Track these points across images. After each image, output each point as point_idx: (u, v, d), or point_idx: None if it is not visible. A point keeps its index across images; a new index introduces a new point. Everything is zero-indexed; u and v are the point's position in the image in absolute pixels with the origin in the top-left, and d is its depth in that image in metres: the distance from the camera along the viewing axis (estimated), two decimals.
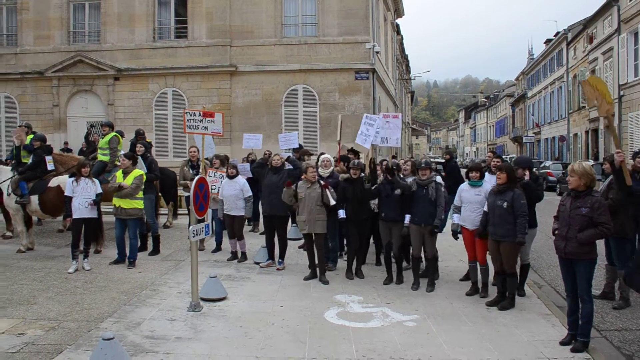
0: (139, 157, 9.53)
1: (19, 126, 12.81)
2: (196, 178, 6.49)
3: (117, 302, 6.61)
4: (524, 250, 6.93)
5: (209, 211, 7.81)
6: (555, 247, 5.47)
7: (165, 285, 7.47)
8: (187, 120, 7.81)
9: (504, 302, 6.51)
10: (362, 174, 7.98)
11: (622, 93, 26.37)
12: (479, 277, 7.08)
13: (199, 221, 6.48)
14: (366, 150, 8.35)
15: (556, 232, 5.48)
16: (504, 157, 45.37)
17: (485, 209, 6.60)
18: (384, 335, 5.53)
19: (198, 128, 7.84)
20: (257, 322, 5.90)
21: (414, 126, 76.79)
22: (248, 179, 9.58)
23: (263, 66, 18.78)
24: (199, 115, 7.80)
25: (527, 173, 6.87)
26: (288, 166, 8.71)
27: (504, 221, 6.31)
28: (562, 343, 5.33)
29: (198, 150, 10.12)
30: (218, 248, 9.79)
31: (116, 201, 8.50)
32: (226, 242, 9.53)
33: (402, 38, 38.51)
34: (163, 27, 19.77)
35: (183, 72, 19.08)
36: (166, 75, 19.17)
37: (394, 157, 10.83)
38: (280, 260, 8.47)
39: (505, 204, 6.29)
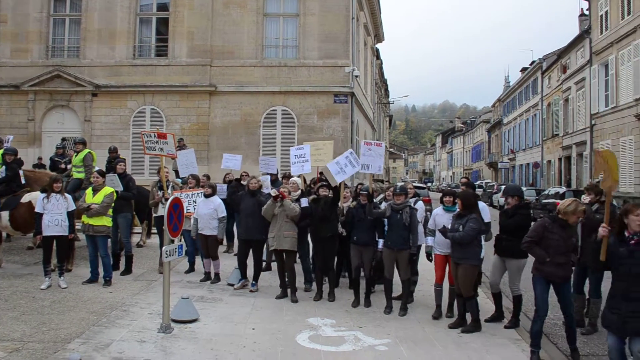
0: (117, 175, 9.43)
1: None
2: (171, 198, 6.46)
3: (86, 322, 6.49)
4: (513, 282, 6.92)
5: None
6: (549, 273, 5.68)
7: (136, 305, 7.36)
8: (146, 141, 7.76)
9: (467, 326, 6.65)
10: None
11: (593, 122, 27.01)
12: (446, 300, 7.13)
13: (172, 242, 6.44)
14: (335, 183, 8.45)
15: (547, 259, 5.64)
16: (479, 182, 45.86)
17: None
18: None
19: (155, 149, 7.80)
20: (228, 345, 5.84)
21: (391, 150, 77.44)
22: (224, 199, 9.55)
23: (242, 87, 18.84)
24: (154, 136, 7.76)
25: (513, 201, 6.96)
26: (266, 190, 8.76)
27: (461, 244, 6.56)
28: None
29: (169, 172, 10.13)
30: (191, 269, 9.69)
31: (85, 218, 8.41)
32: (199, 262, 9.46)
33: (381, 62, 39.01)
34: (144, 45, 19.79)
35: (162, 91, 19.04)
36: (145, 93, 19.11)
37: (379, 181, 10.87)
38: (253, 282, 8.43)
39: (461, 227, 6.55)
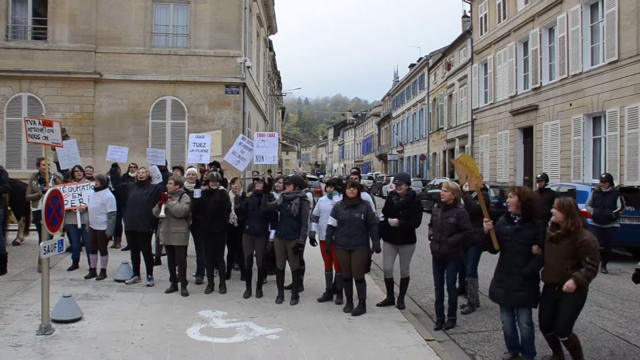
0: None
1: None
2: (49, 190, 6.08)
3: None
4: (406, 265, 7.30)
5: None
6: (431, 249, 6.61)
7: (11, 308, 6.85)
8: (29, 129, 7.26)
9: (357, 308, 6.98)
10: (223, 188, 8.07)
11: (474, 117, 28.85)
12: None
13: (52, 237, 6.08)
14: (238, 173, 8.49)
15: (431, 237, 6.60)
16: (369, 174, 47.75)
17: (331, 222, 6.99)
18: (247, 350, 5.54)
19: (39, 138, 7.32)
20: (114, 343, 5.63)
21: (284, 142, 77.90)
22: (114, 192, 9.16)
23: (130, 75, 18.02)
24: (39, 123, 7.29)
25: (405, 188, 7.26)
26: (157, 180, 8.54)
27: (360, 231, 6.85)
28: (436, 329, 6.54)
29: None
30: (75, 266, 9.19)
31: None
32: (84, 259, 9.01)
33: (274, 54, 38.99)
34: (18, 26, 18.22)
35: (41, 77, 17.69)
36: (21, 79, 17.66)
37: (269, 171, 10.93)
38: (149, 276, 8.22)
39: (362, 215, 6.83)
